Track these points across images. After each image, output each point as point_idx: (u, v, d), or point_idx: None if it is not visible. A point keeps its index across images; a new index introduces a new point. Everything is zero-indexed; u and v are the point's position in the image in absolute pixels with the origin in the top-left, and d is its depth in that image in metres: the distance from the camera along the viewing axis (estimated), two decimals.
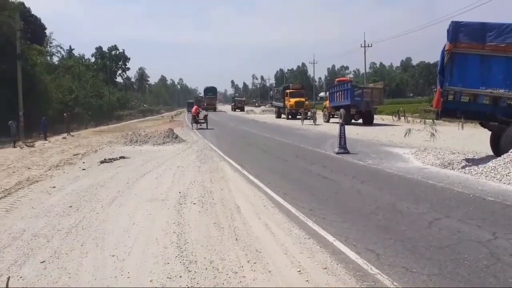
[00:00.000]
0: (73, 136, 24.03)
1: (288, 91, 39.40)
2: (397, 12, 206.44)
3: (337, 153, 13.10)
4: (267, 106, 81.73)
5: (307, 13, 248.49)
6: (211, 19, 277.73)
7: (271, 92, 49.34)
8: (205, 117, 29.16)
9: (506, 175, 8.24)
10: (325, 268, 4.24)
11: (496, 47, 9.72)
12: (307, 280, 3.99)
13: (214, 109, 72.38)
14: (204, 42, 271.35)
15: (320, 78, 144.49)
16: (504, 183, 7.97)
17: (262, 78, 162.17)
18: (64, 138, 24.35)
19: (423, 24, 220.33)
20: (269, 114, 52.85)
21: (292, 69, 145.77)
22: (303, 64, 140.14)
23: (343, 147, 13.28)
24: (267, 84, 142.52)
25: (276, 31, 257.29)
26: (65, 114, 26.88)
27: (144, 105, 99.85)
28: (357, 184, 8.62)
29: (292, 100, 37.69)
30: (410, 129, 17.16)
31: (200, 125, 28.73)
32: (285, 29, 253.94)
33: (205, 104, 66.94)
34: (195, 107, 32.09)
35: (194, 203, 7.20)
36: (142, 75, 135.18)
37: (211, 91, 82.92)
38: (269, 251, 4.82)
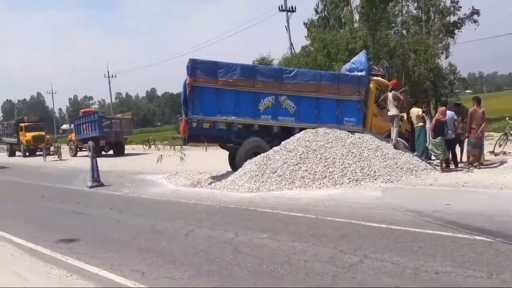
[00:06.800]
0: None
1: (22, 125, 34.65)
2: (135, 46, 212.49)
3: (91, 187, 12.59)
4: None
5: (45, 40, 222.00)
6: None
7: (0, 126, 41.80)
8: None
9: (242, 185, 9.98)
10: None
11: (226, 81, 11.52)
12: None
13: None
14: None
15: (61, 109, 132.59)
16: (241, 192, 9.63)
17: None
18: None
19: (158, 59, 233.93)
20: None
21: (25, 99, 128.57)
22: (39, 94, 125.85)
23: (97, 180, 12.88)
24: None
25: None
26: None
27: None
28: (115, 214, 8.61)
29: (29, 135, 33.37)
30: (161, 155, 18.15)
31: None
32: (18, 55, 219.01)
33: None
34: None
35: None
36: None
37: None
38: None
